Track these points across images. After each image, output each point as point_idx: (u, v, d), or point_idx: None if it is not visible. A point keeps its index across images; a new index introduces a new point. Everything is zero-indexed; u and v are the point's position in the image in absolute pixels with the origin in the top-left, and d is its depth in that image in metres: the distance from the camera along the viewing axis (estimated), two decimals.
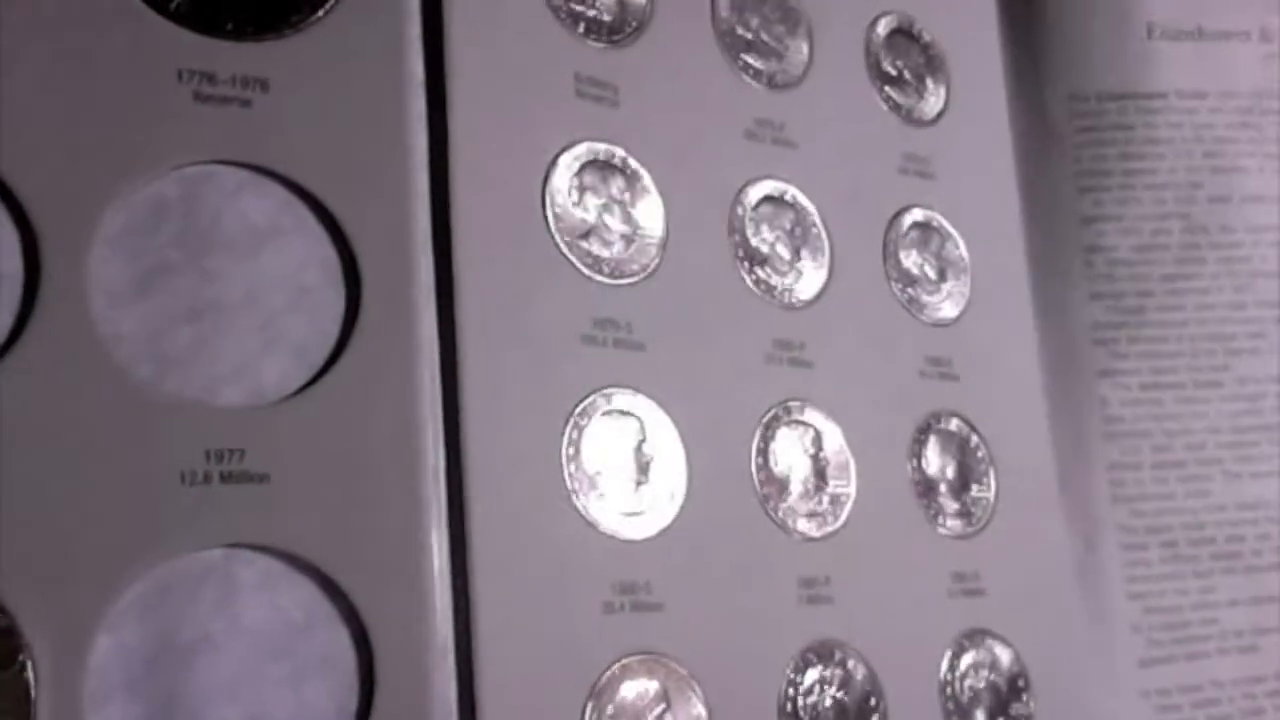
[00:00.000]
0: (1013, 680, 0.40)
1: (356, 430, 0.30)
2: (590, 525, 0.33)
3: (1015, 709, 0.40)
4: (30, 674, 0.25)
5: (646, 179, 0.36)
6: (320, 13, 0.32)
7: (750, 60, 0.40)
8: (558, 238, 0.34)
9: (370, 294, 0.31)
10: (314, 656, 0.28)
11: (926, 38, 0.45)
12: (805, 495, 0.37)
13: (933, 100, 0.44)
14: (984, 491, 0.42)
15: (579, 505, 0.33)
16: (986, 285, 0.44)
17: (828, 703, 0.36)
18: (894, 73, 0.44)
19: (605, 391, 0.34)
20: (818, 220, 0.40)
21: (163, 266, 0.29)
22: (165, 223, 0.29)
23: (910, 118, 0.44)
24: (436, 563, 0.30)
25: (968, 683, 0.39)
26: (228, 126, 0.30)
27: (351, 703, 0.28)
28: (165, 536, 0.27)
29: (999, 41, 0.47)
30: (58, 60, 0.28)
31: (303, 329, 0.30)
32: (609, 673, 0.32)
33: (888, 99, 0.43)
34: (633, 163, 0.36)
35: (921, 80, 0.44)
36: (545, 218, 0.34)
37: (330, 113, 0.31)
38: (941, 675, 0.38)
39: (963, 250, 0.44)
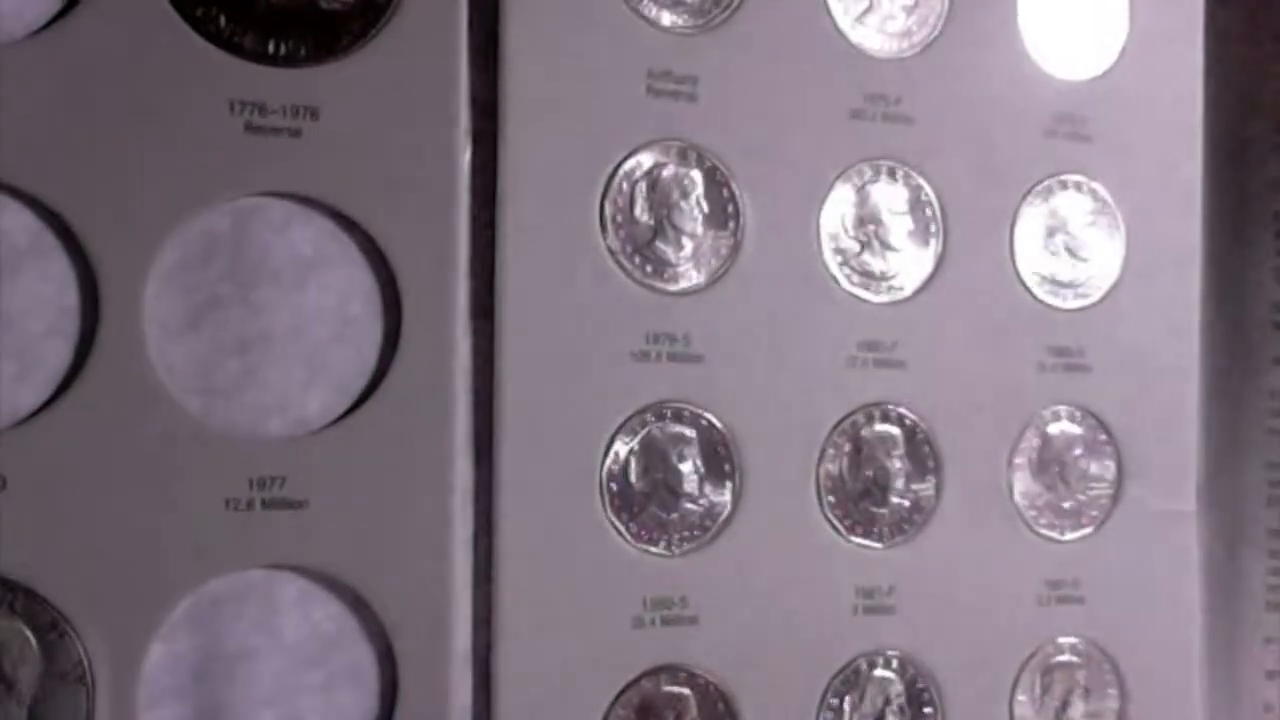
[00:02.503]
0: (1104, 692, 0.38)
1: (391, 457, 0.31)
2: (625, 541, 0.33)
3: None
4: (88, 679, 0.29)
5: (721, 177, 0.35)
6: (371, 34, 0.31)
7: (867, 23, 0.36)
8: (615, 249, 0.33)
9: (410, 323, 0.31)
10: (344, 667, 0.31)
11: None
12: (877, 502, 0.36)
13: (1105, 46, 0.39)
14: (1103, 489, 0.39)
15: (613, 522, 0.33)
16: (1144, 261, 0.40)
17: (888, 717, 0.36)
18: (1054, 18, 0.39)
19: (654, 407, 0.34)
20: (934, 202, 0.37)
21: (213, 300, 0.30)
22: (216, 257, 0.30)
23: (1069, 70, 0.39)
24: (458, 582, 0.32)
25: (1050, 695, 0.38)
26: (278, 158, 0.31)
27: (375, 711, 0.31)
28: (211, 557, 0.30)
29: None
30: (113, 95, 0.29)
31: (346, 358, 0.31)
32: (635, 686, 0.33)
33: (1040, 51, 0.38)
34: (707, 163, 0.34)
35: (1092, 22, 0.39)
36: (603, 229, 0.33)
37: (378, 140, 0.31)
38: (1020, 685, 0.37)
39: (1119, 221, 0.39)
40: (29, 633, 0.29)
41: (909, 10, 0.37)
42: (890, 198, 0.37)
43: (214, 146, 0.30)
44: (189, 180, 0.30)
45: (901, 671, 0.36)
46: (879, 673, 0.36)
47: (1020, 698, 0.38)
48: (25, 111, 0.29)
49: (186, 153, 0.30)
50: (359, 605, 0.31)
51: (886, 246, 0.37)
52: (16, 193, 0.29)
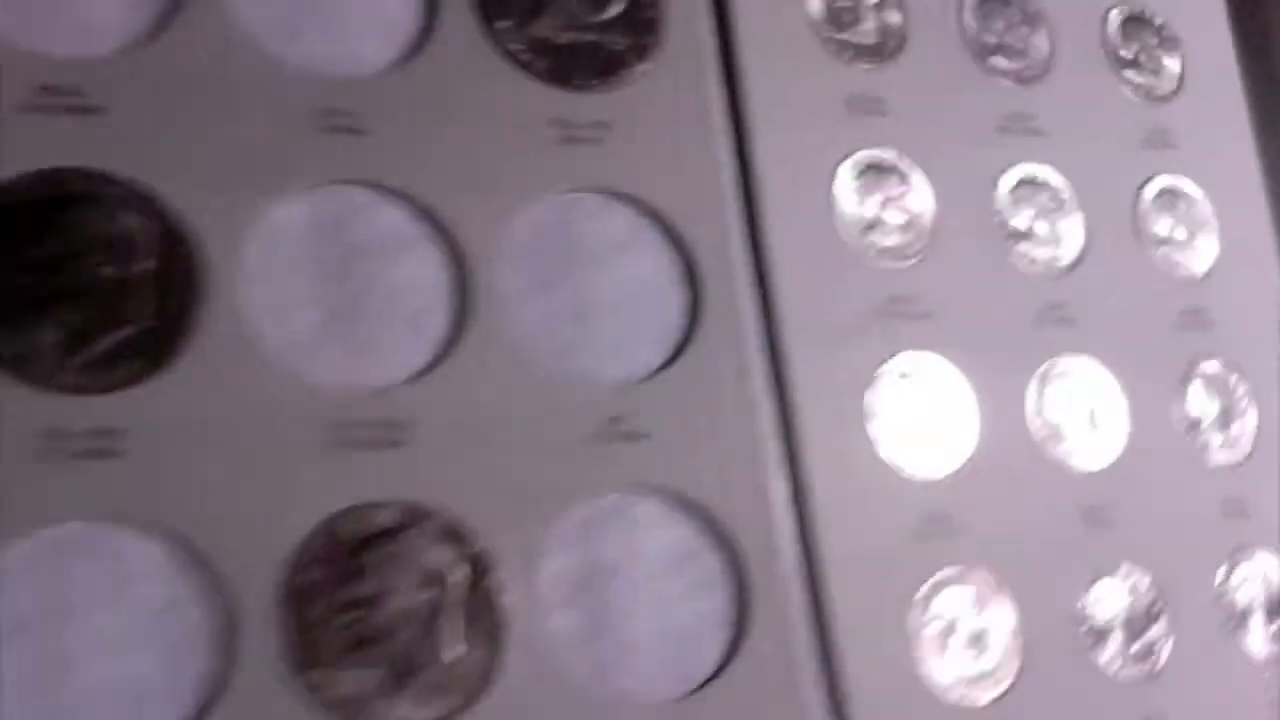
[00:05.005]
0: None
1: (708, 400, 0.37)
2: (898, 468, 0.39)
3: None
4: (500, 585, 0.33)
5: (916, 175, 0.42)
6: (641, 65, 0.39)
7: (998, 61, 0.46)
8: (845, 233, 0.41)
9: (707, 294, 0.38)
10: (700, 579, 0.36)
11: (1158, 20, 0.49)
12: (1081, 435, 0.42)
13: (1169, 77, 0.49)
14: (1246, 426, 0.46)
15: (884, 452, 0.39)
16: (1234, 240, 0.48)
17: (1118, 607, 0.41)
18: (1130, 57, 0.48)
19: (901, 356, 0.40)
20: (1070, 196, 0.45)
21: (540, 279, 0.37)
22: (542, 244, 0.37)
23: (1150, 96, 0.48)
24: (779, 499, 0.37)
25: (1243, 592, 0.43)
26: (585, 161, 0.38)
27: (733, 613, 0.36)
28: (580, 481, 0.35)
29: (1226, 16, 0.51)
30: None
31: (661, 322, 0.37)
32: (929, 583, 0.38)
33: (1127, 81, 0.48)
34: (903, 163, 0.42)
35: (1157, 60, 0.49)
36: (834, 217, 0.41)
37: (660, 144, 0.39)
38: (1217, 585, 0.43)
39: (1209, 211, 0.48)
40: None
41: (1025, 54, 0.46)
42: (1036, 196, 0.45)
43: (537, 153, 0.37)
44: (524, 177, 0.37)
45: (1129, 574, 0.41)
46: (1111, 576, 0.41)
47: (1224, 598, 0.43)
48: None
49: (515, 158, 0.37)
50: (706, 520, 0.36)
51: (1043, 233, 0.44)
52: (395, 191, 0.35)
